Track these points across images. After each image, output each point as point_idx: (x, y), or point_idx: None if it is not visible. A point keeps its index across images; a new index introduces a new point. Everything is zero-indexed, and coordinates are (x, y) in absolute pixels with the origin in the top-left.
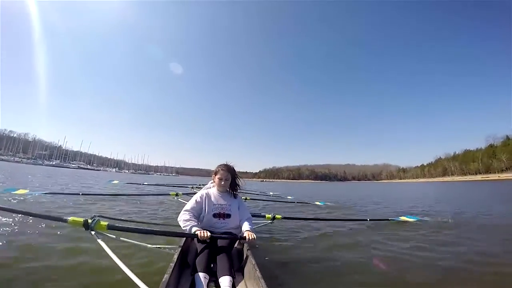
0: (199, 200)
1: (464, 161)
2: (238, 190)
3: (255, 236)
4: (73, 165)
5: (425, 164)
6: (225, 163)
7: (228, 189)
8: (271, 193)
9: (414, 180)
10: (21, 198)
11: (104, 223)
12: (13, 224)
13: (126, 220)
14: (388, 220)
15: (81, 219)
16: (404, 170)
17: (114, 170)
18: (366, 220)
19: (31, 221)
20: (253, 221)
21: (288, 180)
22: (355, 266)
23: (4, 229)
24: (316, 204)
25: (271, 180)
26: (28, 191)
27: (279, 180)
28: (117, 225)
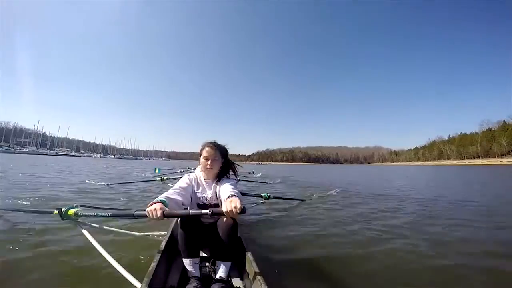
0: (188, 181)
1: (462, 145)
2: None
3: (238, 205)
4: (50, 152)
5: (418, 147)
6: (213, 141)
7: (217, 177)
8: (259, 174)
9: (407, 163)
10: None
11: (72, 210)
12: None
13: (104, 208)
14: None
15: (56, 208)
16: (396, 153)
17: (99, 155)
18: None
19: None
20: (244, 202)
21: (282, 163)
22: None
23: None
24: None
25: (267, 162)
26: None
27: (274, 163)
28: (84, 212)
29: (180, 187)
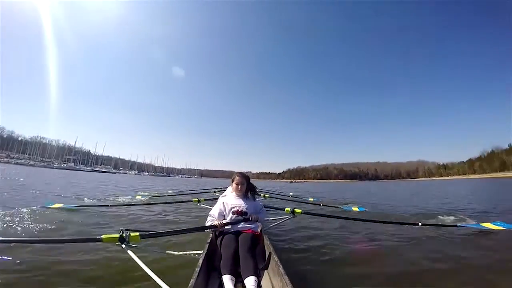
0: (220, 205)
1: None
2: (257, 190)
3: (259, 227)
4: (87, 169)
5: (473, 158)
6: (241, 172)
7: (245, 193)
8: (290, 193)
9: (461, 177)
10: (56, 212)
11: (136, 233)
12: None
13: (153, 231)
14: (456, 226)
15: (116, 235)
16: (445, 167)
17: (133, 172)
18: (418, 224)
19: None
20: (272, 217)
21: (316, 180)
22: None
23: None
24: (345, 209)
25: (302, 180)
26: (63, 205)
27: (310, 181)
28: (147, 233)
29: (215, 211)
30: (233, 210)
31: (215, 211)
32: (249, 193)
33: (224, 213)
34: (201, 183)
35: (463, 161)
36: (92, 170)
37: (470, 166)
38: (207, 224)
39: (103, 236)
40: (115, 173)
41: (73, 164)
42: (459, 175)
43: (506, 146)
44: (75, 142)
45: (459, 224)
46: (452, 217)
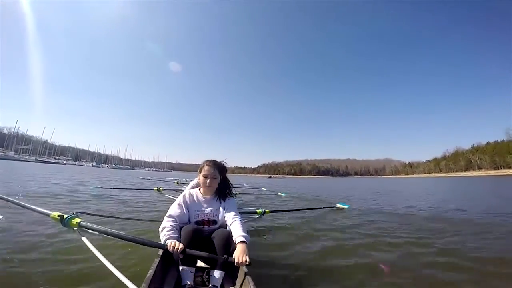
0: (181, 203)
1: (497, 154)
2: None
3: (247, 259)
4: (30, 159)
5: (438, 157)
6: (213, 160)
7: (215, 193)
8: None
9: (426, 175)
10: None
11: (77, 220)
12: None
13: (109, 216)
14: (321, 208)
15: (58, 214)
16: (411, 165)
17: (91, 164)
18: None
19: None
20: (243, 217)
21: (290, 176)
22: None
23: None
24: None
25: (281, 176)
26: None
27: (288, 176)
28: (89, 225)
29: (174, 214)
30: (197, 218)
31: (174, 210)
32: (221, 194)
33: (186, 213)
34: (168, 176)
35: (428, 160)
36: (36, 161)
37: (436, 165)
38: (162, 232)
39: (53, 213)
40: (64, 164)
41: (12, 152)
42: (425, 173)
43: (469, 147)
44: (16, 127)
45: (323, 206)
46: (336, 203)
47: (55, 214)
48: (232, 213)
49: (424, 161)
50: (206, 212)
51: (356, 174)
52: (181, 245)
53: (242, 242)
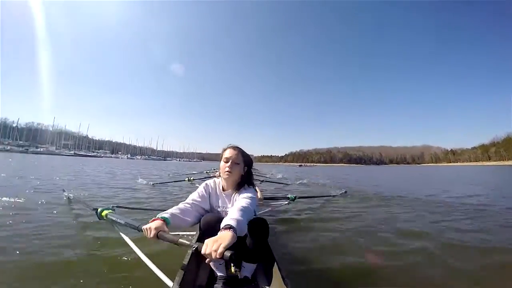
0: (202, 191)
1: None
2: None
3: (221, 248)
4: (69, 153)
5: (487, 144)
6: (237, 146)
7: (237, 187)
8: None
9: (473, 163)
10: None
11: (105, 212)
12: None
13: (140, 209)
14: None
15: (94, 208)
16: (453, 152)
17: (125, 156)
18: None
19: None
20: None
21: (320, 164)
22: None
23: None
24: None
25: (311, 164)
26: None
27: (319, 164)
28: (113, 217)
29: (193, 200)
30: (219, 215)
31: (193, 198)
32: (242, 186)
33: (201, 210)
34: (198, 166)
35: (474, 147)
36: (75, 154)
37: (484, 152)
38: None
39: (99, 208)
40: (102, 157)
41: (53, 147)
42: (471, 161)
43: None
44: (65, 126)
45: (325, 194)
46: (336, 190)
47: (100, 209)
48: (240, 206)
49: (470, 148)
50: (227, 211)
51: (391, 162)
52: (153, 232)
53: (227, 227)
